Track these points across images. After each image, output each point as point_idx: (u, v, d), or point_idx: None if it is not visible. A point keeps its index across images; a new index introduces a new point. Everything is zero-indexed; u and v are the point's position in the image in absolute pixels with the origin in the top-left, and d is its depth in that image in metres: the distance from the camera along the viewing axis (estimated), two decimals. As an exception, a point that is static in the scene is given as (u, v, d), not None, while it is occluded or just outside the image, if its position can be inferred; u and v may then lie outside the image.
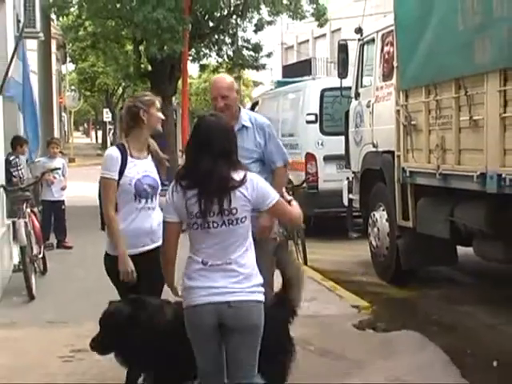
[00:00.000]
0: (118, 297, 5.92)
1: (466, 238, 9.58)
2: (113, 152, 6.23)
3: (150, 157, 6.38)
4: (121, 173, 6.09)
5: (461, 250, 10.43)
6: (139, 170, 6.20)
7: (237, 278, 4.90)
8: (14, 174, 12.61)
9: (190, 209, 4.89)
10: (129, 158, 6.16)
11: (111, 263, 6.12)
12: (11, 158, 12.69)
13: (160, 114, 6.45)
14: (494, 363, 7.29)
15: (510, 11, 7.58)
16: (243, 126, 6.81)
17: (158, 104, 6.45)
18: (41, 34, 16.72)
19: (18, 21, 14.01)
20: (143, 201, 6.20)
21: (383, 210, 11.21)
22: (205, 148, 4.92)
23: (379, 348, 7.56)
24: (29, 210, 11.08)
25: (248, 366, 4.94)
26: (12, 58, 11.07)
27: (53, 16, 26.23)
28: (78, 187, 23.63)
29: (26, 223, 10.60)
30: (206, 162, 4.88)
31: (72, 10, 28.71)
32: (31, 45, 18.13)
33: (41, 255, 11.16)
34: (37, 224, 11.41)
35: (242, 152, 5.86)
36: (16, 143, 13.55)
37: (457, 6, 8.57)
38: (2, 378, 6.84)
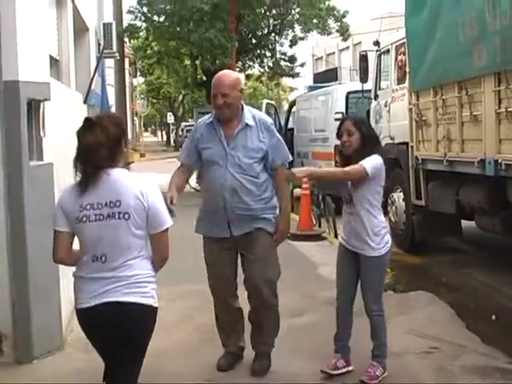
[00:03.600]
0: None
1: (469, 213, 9.57)
2: None
3: None
4: None
5: (465, 223, 10.39)
6: None
7: None
8: None
9: None
10: None
11: None
12: None
13: None
14: (493, 317, 7.28)
15: (501, 26, 7.56)
16: (246, 124, 5.63)
17: None
18: (116, 54, 16.84)
19: (99, 44, 14.13)
20: None
21: (400, 192, 11.19)
22: None
23: (398, 305, 7.56)
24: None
25: None
26: (94, 74, 11.15)
27: (126, 39, 26.40)
28: (149, 177, 23.62)
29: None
30: None
31: (141, 34, 28.97)
32: (109, 63, 18.26)
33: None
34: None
35: (246, 152, 5.57)
36: None
37: (458, 21, 8.54)
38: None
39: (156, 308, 3.98)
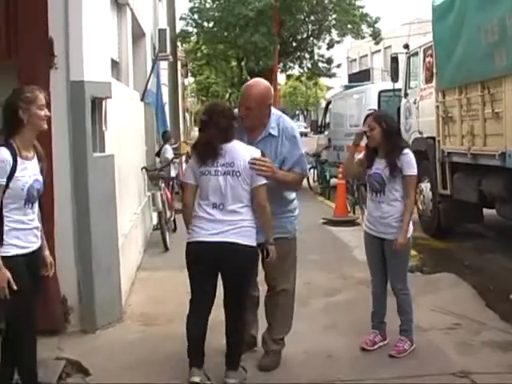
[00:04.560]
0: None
1: (490, 202, 9.47)
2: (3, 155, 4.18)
3: (35, 158, 4.42)
4: (10, 176, 4.20)
5: (486, 211, 10.30)
6: (30, 173, 4.31)
7: None
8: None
9: None
10: (18, 160, 4.25)
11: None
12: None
13: (45, 112, 4.39)
14: (510, 296, 7.21)
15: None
16: (269, 134, 5.17)
17: (41, 101, 4.37)
18: (170, 57, 16.93)
19: (154, 48, 14.23)
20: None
21: (428, 182, 11.11)
22: None
23: (425, 286, 7.53)
24: (163, 184, 11.24)
25: None
26: (150, 75, 11.25)
27: (178, 43, 26.52)
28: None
29: (161, 194, 10.76)
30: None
31: (192, 38, 29.12)
32: (163, 65, 18.38)
33: (172, 218, 11.35)
34: (169, 195, 11.56)
35: None
36: (166, 137, 14.24)
37: (480, 27, 8.46)
38: (148, 304, 7.07)
39: (256, 247, 4.78)
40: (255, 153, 4.82)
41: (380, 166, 5.52)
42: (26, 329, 4.37)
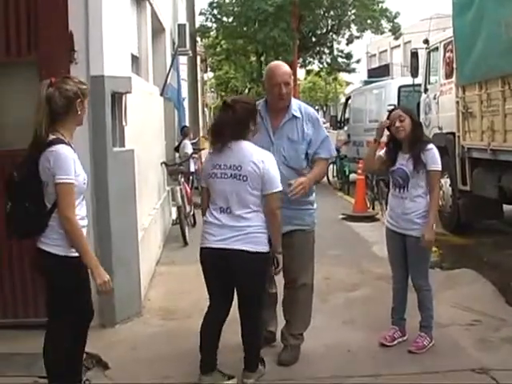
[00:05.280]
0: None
1: (510, 198, 9.42)
2: (68, 152, 4.05)
3: None
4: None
5: (506, 207, 10.24)
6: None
7: None
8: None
9: None
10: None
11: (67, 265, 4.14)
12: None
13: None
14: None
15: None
16: (293, 115, 5.21)
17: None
18: (189, 52, 16.93)
19: (174, 43, 14.24)
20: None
21: (447, 178, 11.05)
22: None
23: (445, 282, 7.49)
24: (183, 179, 11.26)
25: None
26: (170, 69, 11.26)
27: (198, 38, 26.55)
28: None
29: (181, 189, 10.79)
30: None
31: (211, 33, 29.15)
32: (183, 60, 18.40)
33: (191, 212, 11.37)
34: (188, 189, 11.58)
35: (291, 143, 5.17)
36: (185, 132, 14.21)
37: (501, 21, 8.39)
38: (167, 299, 7.09)
39: (266, 253, 4.63)
40: (266, 157, 4.61)
41: (404, 162, 5.50)
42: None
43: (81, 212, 4.20)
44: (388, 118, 5.61)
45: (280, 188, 4.62)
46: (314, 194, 5.43)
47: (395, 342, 5.65)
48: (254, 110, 4.78)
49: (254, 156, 4.57)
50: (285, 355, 5.37)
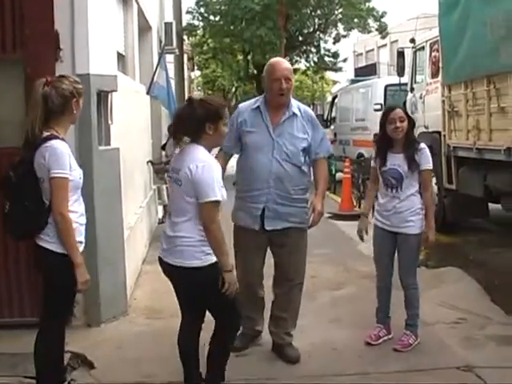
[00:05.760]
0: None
1: (495, 196, 9.46)
2: (63, 147, 4.06)
3: None
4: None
5: (491, 206, 10.27)
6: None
7: None
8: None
9: None
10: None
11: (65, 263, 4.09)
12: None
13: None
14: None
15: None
16: (293, 113, 5.20)
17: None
18: (176, 50, 16.90)
19: (161, 41, 14.21)
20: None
21: (433, 176, 11.07)
22: None
23: (431, 280, 7.50)
24: (169, 178, 11.21)
25: None
26: (156, 68, 11.23)
27: (184, 37, 26.50)
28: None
29: (167, 188, 10.77)
30: None
31: (198, 32, 29.12)
32: (169, 58, 18.36)
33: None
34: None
35: (292, 140, 5.14)
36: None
37: (486, 22, 8.43)
38: (153, 298, 7.05)
39: (201, 267, 4.12)
40: (203, 163, 4.08)
41: (396, 162, 5.50)
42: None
43: (79, 209, 4.21)
44: (384, 117, 5.60)
45: (215, 198, 4.05)
46: (308, 192, 5.41)
47: (380, 341, 5.66)
48: (216, 112, 4.21)
49: (193, 160, 4.10)
50: (292, 352, 5.36)
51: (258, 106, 5.24)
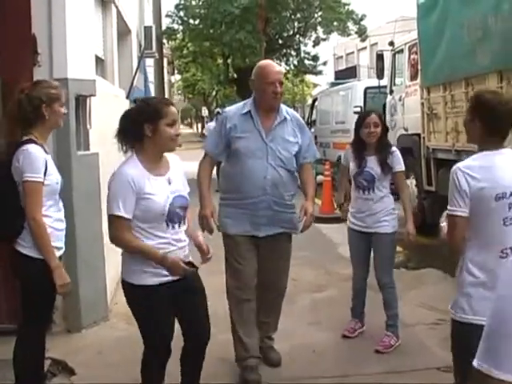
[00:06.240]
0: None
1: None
2: (38, 152, 4.06)
3: None
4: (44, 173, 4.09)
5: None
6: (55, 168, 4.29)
7: None
8: None
9: None
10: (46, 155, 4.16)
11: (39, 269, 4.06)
12: None
13: (64, 109, 4.33)
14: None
15: (503, 28, 7.56)
16: (284, 117, 5.06)
17: (63, 98, 4.33)
18: (156, 54, 16.85)
19: (140, 45, 14.18)
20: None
21: (413, 178, 11.15)
22: None
23: (410, 281, 7.55)
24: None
25: None
26: (136, 72, 11.20)
27: (164, 40, 26.49)
28: (186, 165, 23.89)
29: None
30: None
31: (178, 35, 29.13)
32: (149, 62, 18.32)
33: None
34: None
35: (285, 145, 5.00)
36: None
37: (464, 23, 8.51)
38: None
39: (124, 282, 3.92)
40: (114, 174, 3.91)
41: (369, 164, 5.60)
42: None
43: (54, 214, 4.20)
44: (359, 121, 5.68)
45: (113, 213, 3.72)
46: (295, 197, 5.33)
47: (356, 333, 5.87)
48: (154, 111, 3.80)
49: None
50: (273, 355, 5.37)
51: (249, 111, 5.04)
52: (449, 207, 3.42)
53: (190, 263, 3.93)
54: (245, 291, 5.11)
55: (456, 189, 3.42)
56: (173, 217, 3.81)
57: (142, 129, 3.79)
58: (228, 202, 5.14)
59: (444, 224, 4.51)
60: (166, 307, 3.88)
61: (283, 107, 5.16)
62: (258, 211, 5.00)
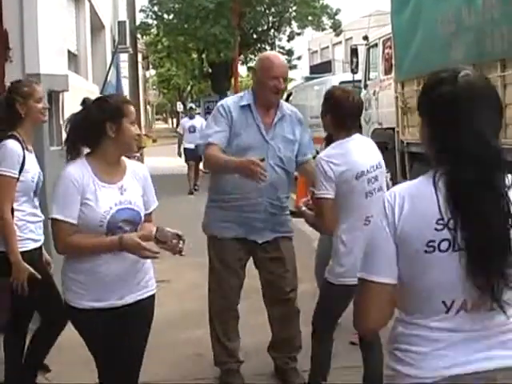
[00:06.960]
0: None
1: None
2: (16, 147, 4.12)
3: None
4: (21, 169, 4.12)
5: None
6: (35, 165, 4.39)
7: None
8: None
9: None
10: (26, 152, 4.19)
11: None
12: None
13: (43, 104, 4.36)
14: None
15: (476, 22, 7.67)
16: (284, 114, 4.72)
17: (38, 93, 4.30)
18: (130, 49, 16.82)
19: (114, 40, 14.13)
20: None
21: (388, 172, 11.14)
22: None
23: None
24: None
25: None
26: (110, 67, 11.16)
27: (138, 35, 26.37)
28: (161, 160, 23.90)
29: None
30: None
31: (152, 30, 29.05)
32: (123, 57, 18.25)
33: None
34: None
35: (286, 143, 4.69)
36: None
37: (437, 18, 8.59)
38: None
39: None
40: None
41: None
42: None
43: (30, 210, 4.28)
44: None
45: (55, 217, 3.36)
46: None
47: None
48: (117, 109, 3.41)
49: None
50: (296, 380, 4.96)
51: (248, 105, 4.65)
52: (316, 192, 4.02)
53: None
54: (228, 300, 4.89)
55: (322, 175, 3.99)
56: (114, 231, 3.33)
57: (104, 128, 3.36)
58: (218, 203, 4.78)
59: (304, 208, 4.21)
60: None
61: (284, 102, 4.88)
62: (252, 214, 4.66)
